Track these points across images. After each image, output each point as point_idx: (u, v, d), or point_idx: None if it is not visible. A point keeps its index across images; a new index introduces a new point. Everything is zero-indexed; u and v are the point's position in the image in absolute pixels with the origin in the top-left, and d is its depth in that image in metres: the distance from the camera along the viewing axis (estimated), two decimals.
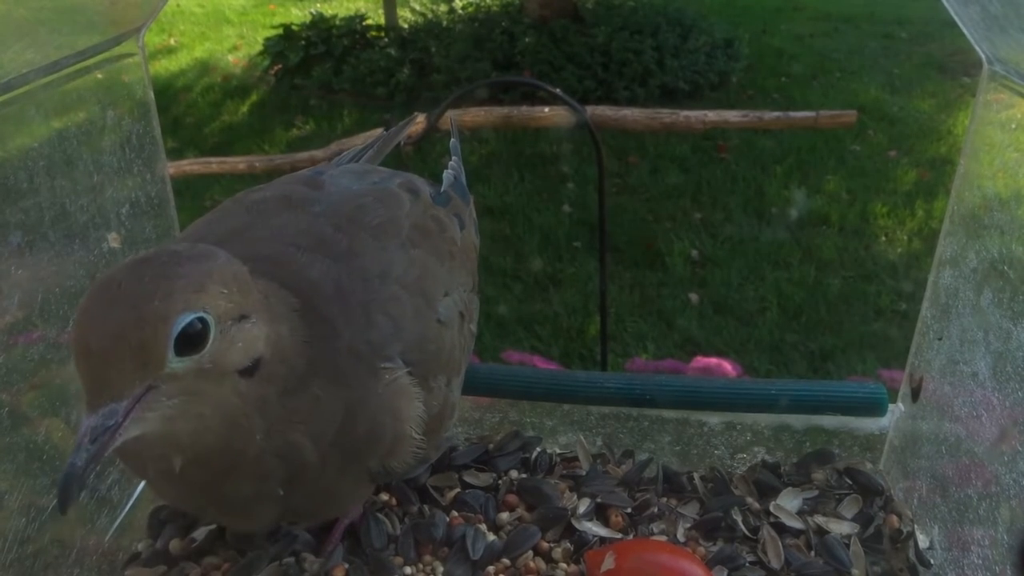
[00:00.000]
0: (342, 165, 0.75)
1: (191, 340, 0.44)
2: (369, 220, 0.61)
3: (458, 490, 0.74)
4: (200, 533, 0.69)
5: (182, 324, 0.43)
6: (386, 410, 0.55)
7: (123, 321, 0.42)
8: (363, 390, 0.54)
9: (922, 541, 0.71)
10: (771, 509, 0.72)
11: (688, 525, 0.71)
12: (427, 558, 0.68)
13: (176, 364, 0.44)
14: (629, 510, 0.72)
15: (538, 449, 0.79)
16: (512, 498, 0.73)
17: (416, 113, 0.94)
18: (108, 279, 0.45)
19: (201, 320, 0.44)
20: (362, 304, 0.55)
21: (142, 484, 0.75)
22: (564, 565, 0.67)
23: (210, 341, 0.45)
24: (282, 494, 0.53)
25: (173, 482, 0.52)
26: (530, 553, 0.68)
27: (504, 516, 0.71)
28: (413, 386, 0.56)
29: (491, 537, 0.69)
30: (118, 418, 0.42)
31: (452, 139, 0.84)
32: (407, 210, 0.64)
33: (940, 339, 0.71)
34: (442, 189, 0.73)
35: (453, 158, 0.81)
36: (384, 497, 0.73)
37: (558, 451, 0.80)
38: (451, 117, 0.84)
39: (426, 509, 0.72)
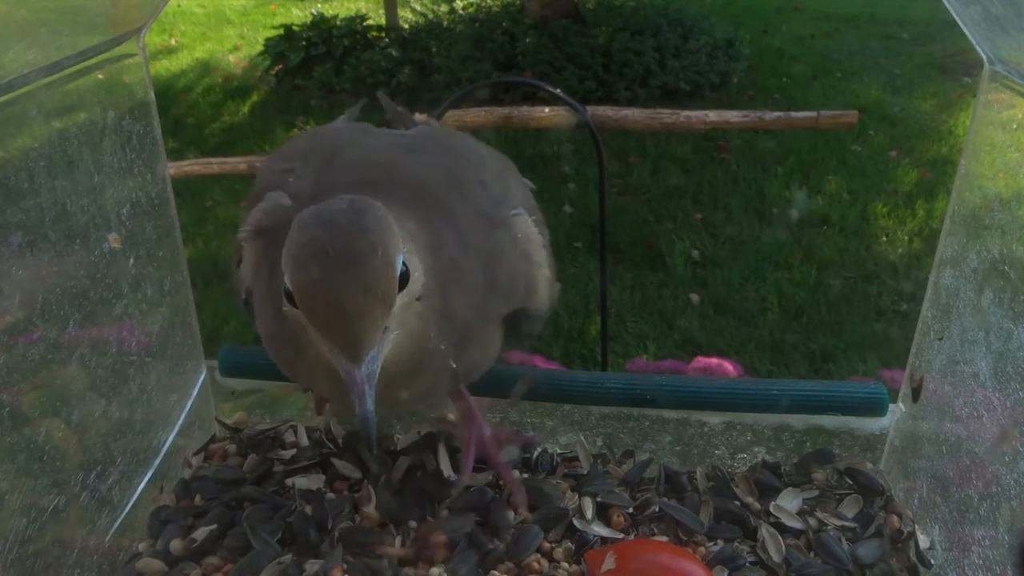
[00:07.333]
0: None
1: (403, 279, 0.49)
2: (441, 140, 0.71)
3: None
4: (200, 533, 0.69)
5: (400, 266, 0.49)
6: (521, 255, 0.62)
7: (367, 278, 0.47)
8: (496, 245, 0.60)
9: (923, 541, 0.70)
10: (771, 509, 0.72)
11: (688, 525, 0.71)
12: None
13: (398, 302, 0.49)
14: (630, 510, 0.72)
15: (539, 449, 0.79)
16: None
17: (366, 97, 0.99)
18: (313, 250, 0.48)
19: (404, 262, 0.50)
20: (476, 179, 0.62)
21: (142, 484, 0.75)
22: (566, 565, 0.67)
23: (410, 277, 0.50)
24: (455, 365, 0.58)
25: None
26: (532, 553, 0.68)
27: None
28: (539, 231, 0.63)
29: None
30: (379, 360, 0.49)
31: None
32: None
33: (941, 339, 0.71)
34: None
35: None
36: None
37: (559, 451, 0.80)
38: (401, 109, 0.83)
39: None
